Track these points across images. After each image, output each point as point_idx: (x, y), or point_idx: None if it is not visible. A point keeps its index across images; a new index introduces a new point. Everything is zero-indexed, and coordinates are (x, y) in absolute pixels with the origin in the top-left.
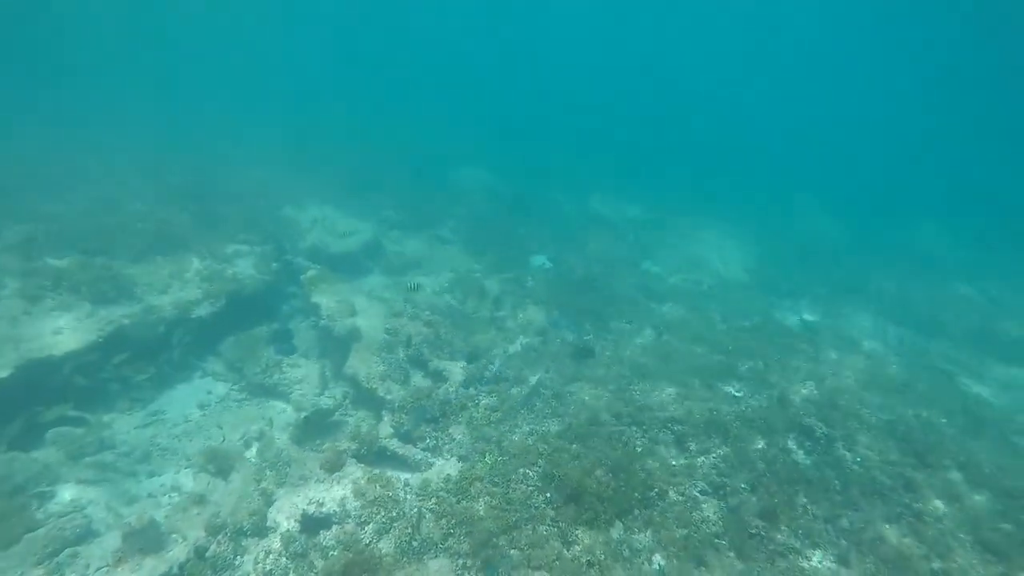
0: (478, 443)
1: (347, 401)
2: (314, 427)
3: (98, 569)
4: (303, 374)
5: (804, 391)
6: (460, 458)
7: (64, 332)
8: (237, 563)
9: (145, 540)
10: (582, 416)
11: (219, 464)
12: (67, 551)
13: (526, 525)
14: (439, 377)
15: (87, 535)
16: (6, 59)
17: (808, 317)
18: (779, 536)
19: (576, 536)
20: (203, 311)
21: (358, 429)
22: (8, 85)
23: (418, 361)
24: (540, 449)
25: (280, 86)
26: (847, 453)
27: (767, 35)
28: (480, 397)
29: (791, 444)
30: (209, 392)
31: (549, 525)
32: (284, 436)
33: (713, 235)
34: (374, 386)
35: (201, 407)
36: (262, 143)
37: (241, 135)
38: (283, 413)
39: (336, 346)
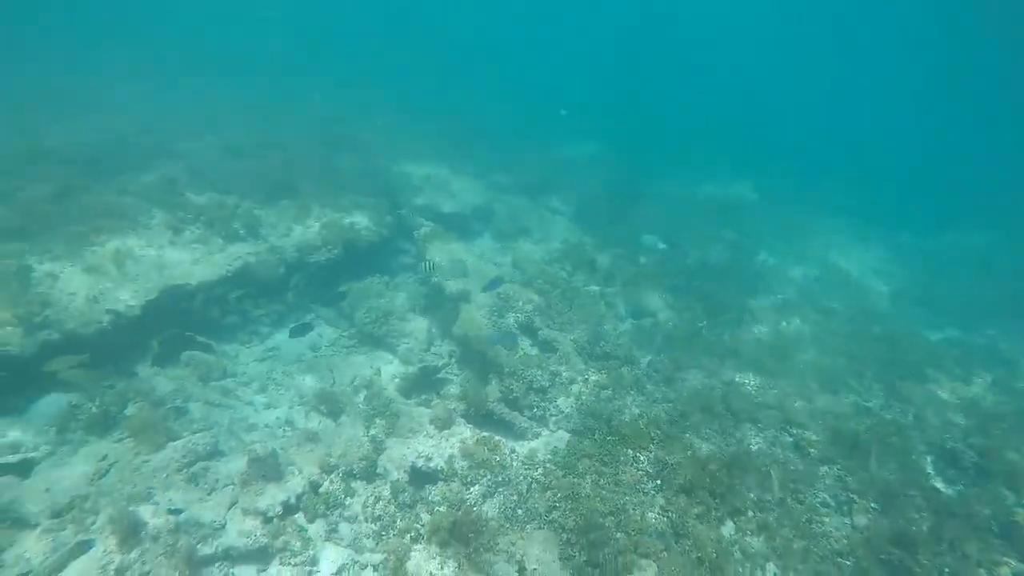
0: (587, 419)
1: (453, 360)
2: (421, 382)
3: (225, 486)
4: (411, 328)
5: (948, 413)
6: (569, 431)
7: (200, 263)
8: (347, 503)
9: (266, 468)
10: (695, 405)
11: (330, 406)
12: (200, 464)
13: (634, 510)
14: (548, 347)
15: (215, 453)
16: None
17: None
18: (918, 570)
19: (687, 529)
20: (320, 257)
21: (466, 390)
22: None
23: (528, 328)
24: (653, 434)
25: (399, 56)
26: (1008, 492)
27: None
28: (589, 373)
29: (929, 468)
30: (320, 335)
31: (659, 514)
32: (391, 387)
33: (841, 233)
34: (482, 348)
35: (313, 349)
36: (380, 102)
37: (365, 94)
38: (390, 364)
39: (445, 304)
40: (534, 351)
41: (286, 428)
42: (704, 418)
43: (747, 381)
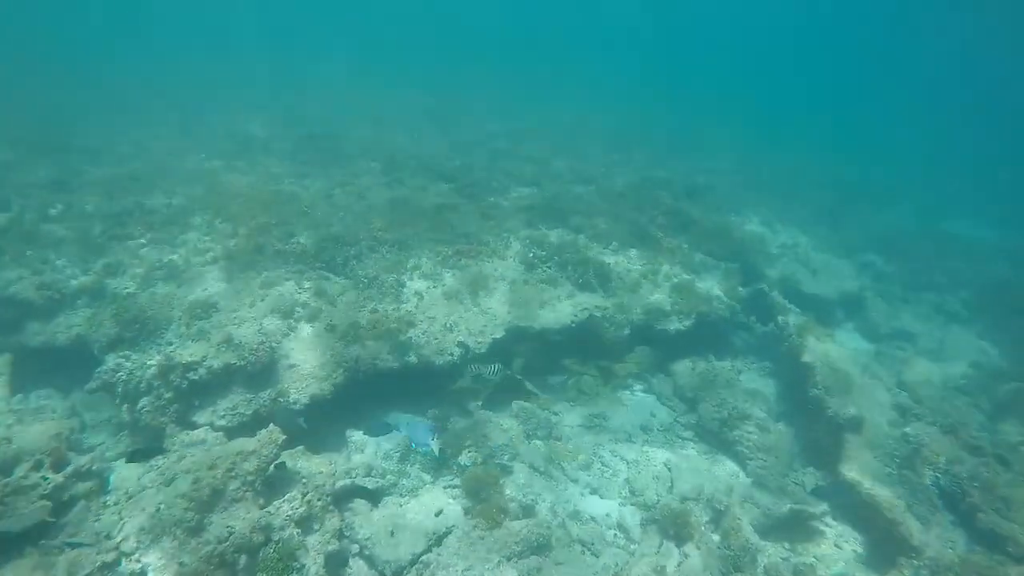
0: None
1: (824, 502)
2: (787, 524)
3: None
4: (770, 442)
5: None
6: None
7: (546, 306)
8: None
9: None
10: None
11: (675, 527)
12: (532, 559)
13: None
14: (996, 544)
15: (545, 547)
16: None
17: None
18: None
19: None
20: (671, 325)
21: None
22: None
23: (953, 501)
24: None
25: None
26: None
27: None
28: None
29: None
30: (652, 415)
31: None
32: (745, 519)
33: None
34: (895, 518)
35: (644, 430)
36: (717, 145)
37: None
38: (735, 479)
39: (821, 424)
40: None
41: (618, 533)
42: None
43: None
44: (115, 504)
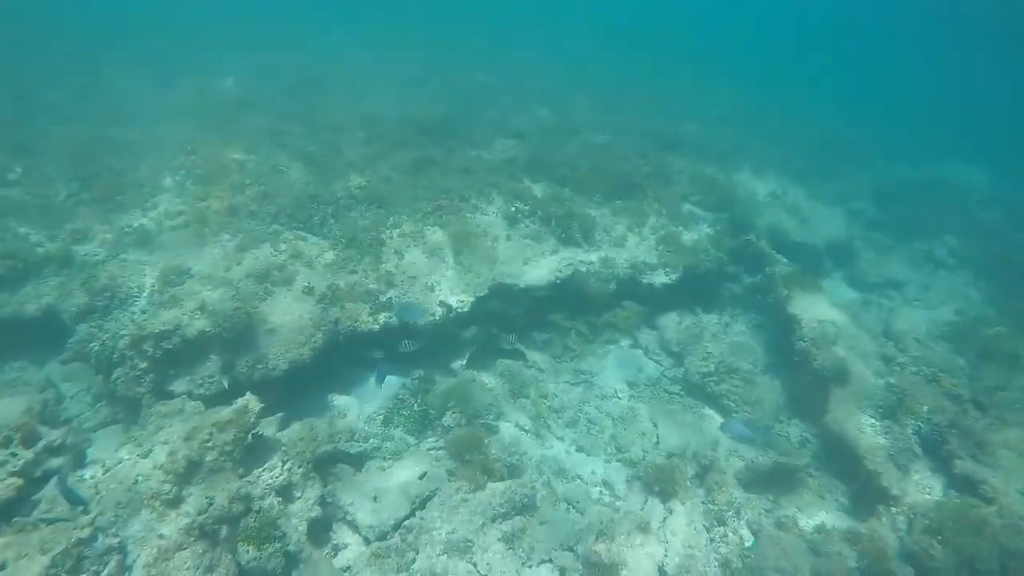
0: None
1: (808, 452)
2: (769, 477)
3: (541, 562)
4: (756, 395)
5: None
6: None
7: (531, 263)
8: None
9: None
10: None
11: (661, 484)
12: (517, 519)
13: None
14: (970, 488)
15: (530, 507)
16: None
17: None
18: None
19: None
20: (656, 279)
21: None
22: None
23: (933, 448)
24: None
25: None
26: None
27: None
28: None
29: None
30: (639, 370)
31: None
32: (730, 471)
33: None
34: (876, 468)
35: (630, 385)
36: (705, 96)
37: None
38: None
39: (807, 375)
40: (949, 492)
41: (603, 491)
42: None
43: None
44: (91, 478)
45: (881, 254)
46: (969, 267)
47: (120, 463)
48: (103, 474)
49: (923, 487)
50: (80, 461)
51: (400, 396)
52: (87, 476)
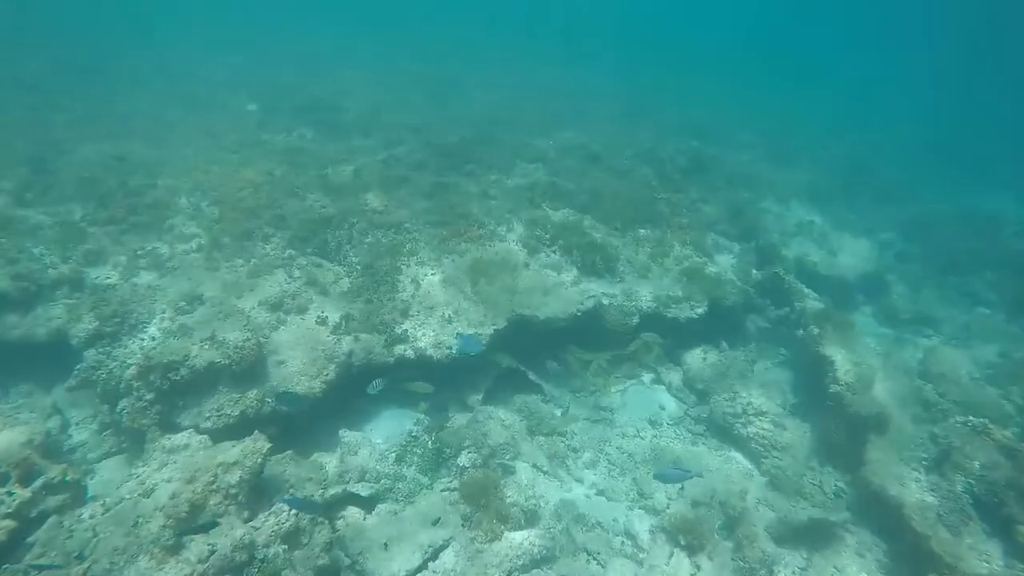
0: None
1: (845, 507)
2: (808, 531)
3: None
4: (786, 440)
5: None
6: None
7: (551, 294)
8: None
9: None
10: None
11: (686, 536)
12: (535, 572)
13: None
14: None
15: (549, 560)
16: None
17: None
18: None
19: None
20: (681, 313)
21: None
22: None
23: (985, 508)
24: None
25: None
26: None
27: None
28: None
29: None
30: (662, 408)
31: None
32: (760, 523)
33: None
34: (924, 531)
35: (652, 424)
36: (745, 120)
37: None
38: (749, 478)
39: (840, 422)
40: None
41: (625, 541)
42: None
43: None
44: (90, 518)
45: (914, 289)
46: (1009, 304)
47: (121, 502)
48: (102, 514)
49: (980, 554)
50: (80, 498)
51: (414, 433)
52: (85, 516)
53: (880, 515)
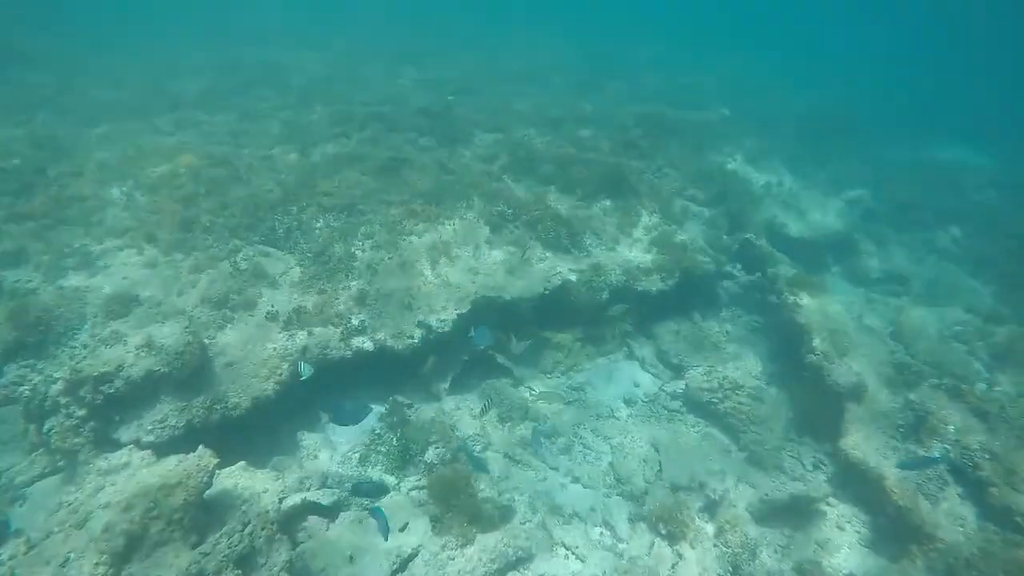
0: None
1: (827, 482)
2: (788, 511)
3: None
4: (763, 412)
5: None
6: None
7: (515, 273)
8: None
9: None
10: None
11: (667, 523)
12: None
13: None
14: (1008, 521)
15: (526, 559)
16: None
17: None
18: None
19: None
20: (652, 285)
21: None
22: None
23: (960, 471)
24: None
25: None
26: None
27: None
28: None
29: None
30: (636, 385)
31: None
32: (741, 505)
33: None
34: (906, 504)
35: (626, 403)
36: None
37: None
38: (728, 455)
39: (817, 393)
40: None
41: (604, 531)
42: None
43: None
44: (10, 559)
45: (882, 246)
46: (974, 258)
47: (48, 537)
48: (25, 553)
49: (955, 518)
50: (2, 532)
51: (377, 430)
52: (4, 557)
53: (858, 485)
